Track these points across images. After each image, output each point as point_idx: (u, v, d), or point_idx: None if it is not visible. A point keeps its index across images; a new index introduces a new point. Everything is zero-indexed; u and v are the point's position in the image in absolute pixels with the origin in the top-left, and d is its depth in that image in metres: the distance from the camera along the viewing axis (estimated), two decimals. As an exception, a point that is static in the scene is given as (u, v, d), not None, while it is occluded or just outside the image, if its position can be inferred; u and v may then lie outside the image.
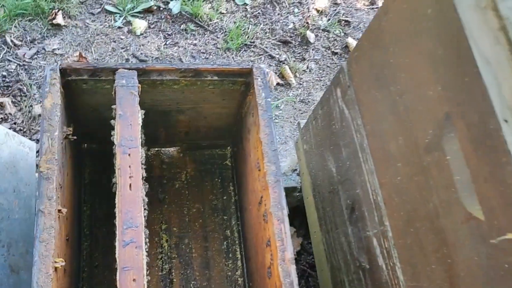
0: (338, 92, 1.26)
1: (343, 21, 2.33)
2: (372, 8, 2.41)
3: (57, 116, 1.04)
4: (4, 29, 1.91)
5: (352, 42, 2.25)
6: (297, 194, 1.63)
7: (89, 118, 1.29)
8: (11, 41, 1.91)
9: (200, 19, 2.16)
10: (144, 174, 1.06)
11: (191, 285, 1.32)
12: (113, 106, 1.10)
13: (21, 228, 1.28)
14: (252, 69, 1.19)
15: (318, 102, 1.42)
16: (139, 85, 1.11)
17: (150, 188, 1.11)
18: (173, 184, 1.46)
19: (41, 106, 1.13)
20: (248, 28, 2.19)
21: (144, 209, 1.01)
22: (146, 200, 1.02)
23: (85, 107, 1.24)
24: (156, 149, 1.50)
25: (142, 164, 1.04)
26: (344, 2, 2.40)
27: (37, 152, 1.63)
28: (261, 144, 1.11)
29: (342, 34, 2.29)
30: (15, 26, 1.94)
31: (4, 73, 1.83)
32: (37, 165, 1.61)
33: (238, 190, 1.45)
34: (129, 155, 1.02)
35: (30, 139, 1.78)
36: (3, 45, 1.90)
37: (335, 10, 2.36)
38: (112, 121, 1.11)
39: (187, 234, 1.39)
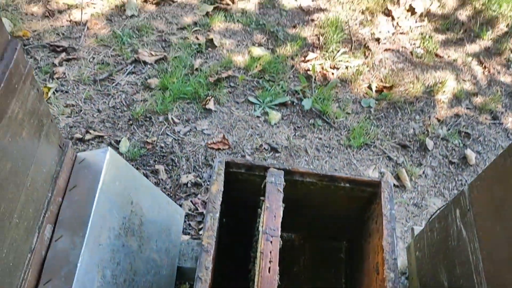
0: (457, 213, 1.37)
1: (463, 133, 2.43)
2: (494, 123, 2.48)
3: (219, 200, 1.30)
4: (168, 108, 2.34)
5: (470, 154, 2.33)
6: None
7: (235, 200, 1.55)
8: (171, 118, 2.32)
9: (328, 116, 2.42)
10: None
11: None
12: (262, 198, 1.34)
13: (165, 283, 1.53)
14: (380, 182, 1.37)
15: (436, 216, 1.53)
16: (284, 183, 1.34)
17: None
18: (291, 267, 1.63)
19: (208, 190, 1.41)
20: (370, 129, 2.39)
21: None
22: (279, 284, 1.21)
23: (235, 192, 1.50)
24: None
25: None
26: (465, 115, 2.51)
27: (186, 217, 1.93)
28: (382, 251, 1.26)
29: (461, 145, 2.38)
30: (176, 107, 2.37)
31: (162, 145, 2.22)
32: (184, 232, 1.90)
33: (352, 284, 1.58)
34: (271, 242, 1.23)
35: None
36: (165, 121, 2.31)
37: (456, 121, 2.48)
38: (259, 210, 1.35)
39: (299, 316, 1.53)
